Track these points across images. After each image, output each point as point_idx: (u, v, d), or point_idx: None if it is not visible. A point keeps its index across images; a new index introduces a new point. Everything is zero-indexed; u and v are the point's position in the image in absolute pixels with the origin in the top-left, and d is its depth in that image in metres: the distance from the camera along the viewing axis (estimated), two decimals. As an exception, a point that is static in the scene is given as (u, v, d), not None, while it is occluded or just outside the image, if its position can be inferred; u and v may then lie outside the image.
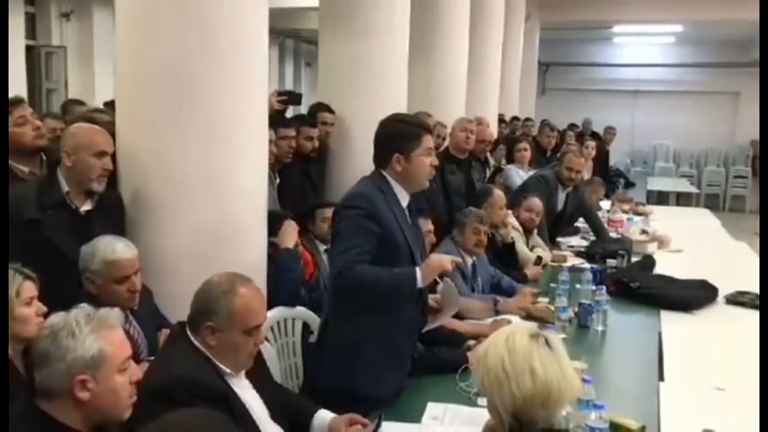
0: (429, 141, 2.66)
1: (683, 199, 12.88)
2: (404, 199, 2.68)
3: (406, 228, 2.64)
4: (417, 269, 2.57)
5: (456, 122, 5.50)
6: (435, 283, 2.70)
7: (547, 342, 1.74)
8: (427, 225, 3.48)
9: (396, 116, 2.78)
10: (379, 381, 2.58)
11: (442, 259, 2.65)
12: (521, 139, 7.44)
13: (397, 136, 2.63)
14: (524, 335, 1.75)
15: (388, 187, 2.63)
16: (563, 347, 1.77)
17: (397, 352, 2.67)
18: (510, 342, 1.73)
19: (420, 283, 2.57)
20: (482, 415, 1.85)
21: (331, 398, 2.49)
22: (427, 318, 2.77)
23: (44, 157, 3.23)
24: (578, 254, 5.22)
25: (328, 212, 3.33)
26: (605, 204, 7.34)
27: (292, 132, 4.20)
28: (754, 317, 3.74)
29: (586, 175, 6.90)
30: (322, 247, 3.61)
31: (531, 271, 4.51)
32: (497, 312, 3.64)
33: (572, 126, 8.97)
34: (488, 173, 6.38)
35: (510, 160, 7.01)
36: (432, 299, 2.78)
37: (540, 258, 4.68)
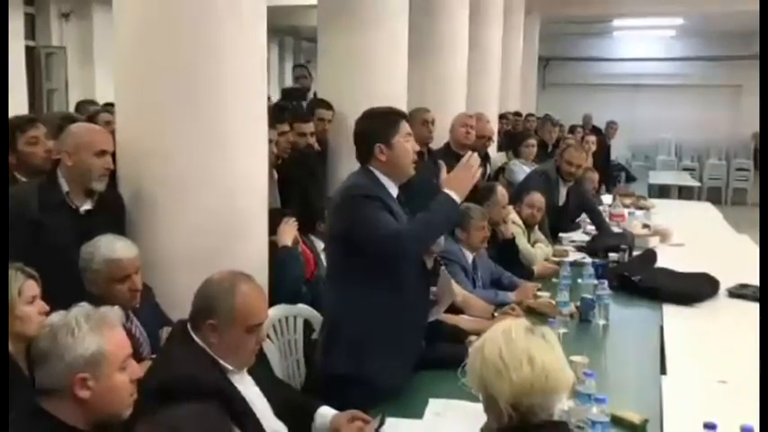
0: (406, 127, 2.71)
1: (684, 192, 12.83)
2: (394, 191, 2.70)
3: (403, 219, 2.65)
4: (445, 189, 2.60)
5: (456, 118, 5.49)
6: (435, 275, 2.71)
7: (543, 335, 1.77)
8: None
9: (368, 111, 2.81)
10: (387, 366, 2.58)
11: (469, 168, 2.66)
12: (529, 135, 7.41)
13: (375, 127, 2.68)
14: (521, 328, 1.79)
15: (376, 181, 2.66)
16: (558, 342, 1.80)
17: (406, 333, 2.67)
18: (507, 334, 1.76)
19: (457, 199, 2.59)
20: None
21: (337, 386, 2.51)
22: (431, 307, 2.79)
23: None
24: (580, 248, 5.20)
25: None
26: (607, 199, 7.32)
27: (287, 127, 4.24)
28: (756, 309, 3.72)
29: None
30: (320, 246, 3.59)
31: (539, 267, 4.50)
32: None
33: (573, 128, 9.08)
34: (489, 168, 6.37)
35: (516, 155, 7.01)
36: (430, 292, 2.79)
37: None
